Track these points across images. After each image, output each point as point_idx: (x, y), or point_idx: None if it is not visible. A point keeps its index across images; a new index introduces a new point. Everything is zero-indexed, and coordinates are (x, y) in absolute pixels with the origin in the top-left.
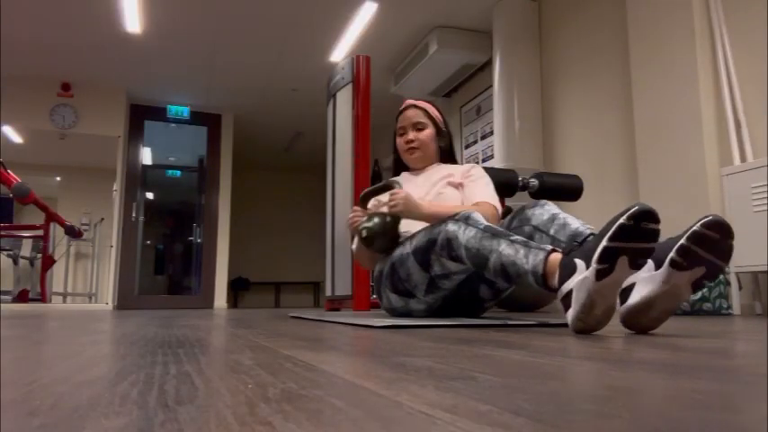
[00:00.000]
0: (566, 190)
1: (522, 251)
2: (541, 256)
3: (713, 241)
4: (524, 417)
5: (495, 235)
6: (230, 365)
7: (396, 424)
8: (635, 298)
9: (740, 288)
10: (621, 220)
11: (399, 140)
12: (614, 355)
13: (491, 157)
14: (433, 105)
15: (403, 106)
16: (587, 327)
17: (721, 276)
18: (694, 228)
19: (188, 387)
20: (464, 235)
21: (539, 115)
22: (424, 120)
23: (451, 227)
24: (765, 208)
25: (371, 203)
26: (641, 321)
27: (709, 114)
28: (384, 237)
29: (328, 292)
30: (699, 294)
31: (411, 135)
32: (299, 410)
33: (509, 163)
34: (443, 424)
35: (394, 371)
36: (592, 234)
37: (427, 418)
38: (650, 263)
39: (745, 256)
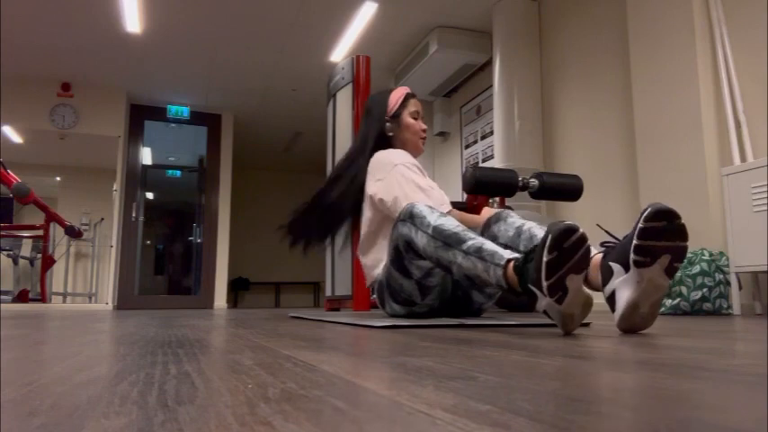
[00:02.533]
0: (566, 190)
1: (479, 265)
2: (500, 272)
3: (663, 229)
4: (524, 417)
5: (446, 245)
6: (230, 365)
7: (396, 424)
8: (620, 304)
9: (740, 288)
10: (545, 258)
11: (414, 123)
12: (614, 355)
13: (491, 157)
14: None
15: (406, 90)
16: (573, 328)
17: (721, 276)
18: (640, 225)
19: (188, 387)
20: (419, 240)
21: (539, 115)
22: (423, 115)
23: (403, 229)
24: (765, 208)
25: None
26: (635, 322)
27: (710, 114)
28: None
29: (328, 292)
30: (699, 294)
31: (424, 125)
32: (298, 410)
33: (509, 163)
34: (443, 424)
35: (394, 371)
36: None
37: (427, 418)
38: (619, 267)
39: (745, 256)
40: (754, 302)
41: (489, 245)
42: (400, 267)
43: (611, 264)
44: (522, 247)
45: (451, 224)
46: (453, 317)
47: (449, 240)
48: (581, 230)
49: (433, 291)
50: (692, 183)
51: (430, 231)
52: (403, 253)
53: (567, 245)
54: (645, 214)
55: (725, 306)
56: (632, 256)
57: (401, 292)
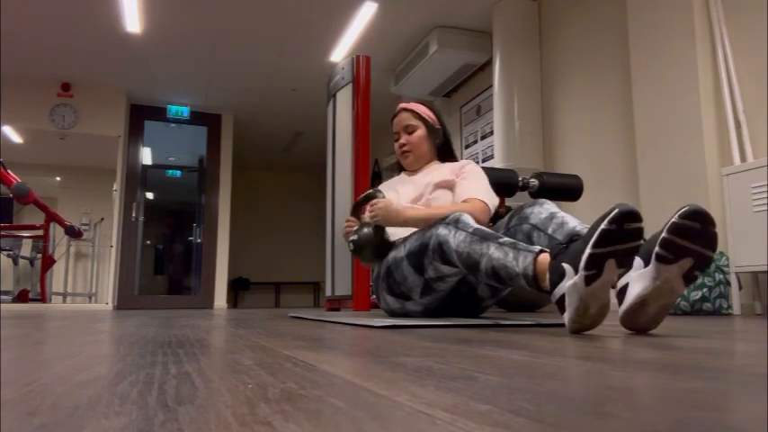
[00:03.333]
0: (566, 190)
1: (511, 254)
2: (530, 258)
3: (695, 231)
4: (524, 417)
5: (484, 238)
6: (230, 365)
7: (396, 424)
8: (629, 298)
9: (740, 288)
10: (603, 226)
11: (395, 145)
12: (613, 355)
13: (491, 157)
14: (425, 104)
15: (395, 111)
16: (583, 327)
17: (721, 276)
18: (673, 219)
19: (188, 387)
20: (455, 239)
21: (539, 115)
22: (413, 122)
23: (442, 231)
24: (765, 208)
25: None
26: (640, 320)
27: (710, 114)
28: (369, 247)
29: (328, 292)
30: (699, 294)
31: (403, 139)
32: (299, 410)
33: (509, 163)
34: (443, 424)
35: (394, 371)
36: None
37: (427, 418)
38: (639, 260)
39: (745, 256)
40: (754, 302)
41: (524, 244)
42: (417, 263)
43: (563, 265)
44: (550, 230)
45: (493, 231)
46: (453, 316)
47: (487, 236)
48: (643, 223)
49: (435, 294)
50: (692, 183)
51: (470, 230)
52: (429, 252)
53: (627, 227)
54: (682, 211)
55: (725, 306)
56: (657, 248)
57: (401, 284)
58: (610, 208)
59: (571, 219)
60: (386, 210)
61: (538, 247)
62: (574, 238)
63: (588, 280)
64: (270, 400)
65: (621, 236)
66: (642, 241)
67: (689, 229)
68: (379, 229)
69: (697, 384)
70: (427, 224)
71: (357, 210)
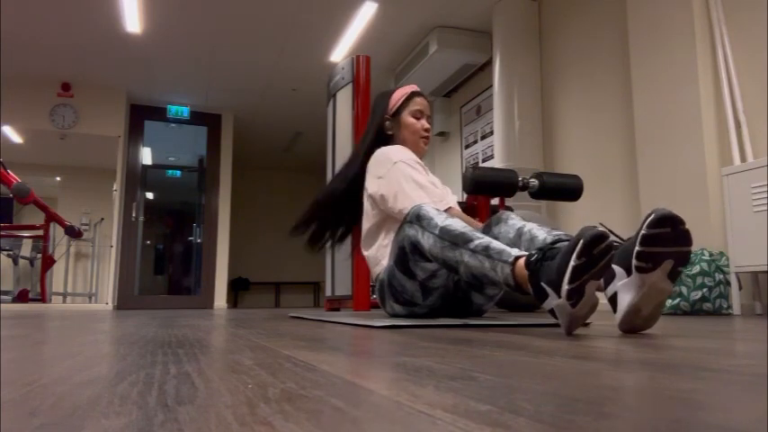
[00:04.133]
0: (566, 190)
1: (486, 263)
2: (507, 269)
3: (666, 235)
4: (524, 417)
5: (453, 244)
6: (230, 365)
7: (396, 424)
8: (622, 307)
9: (740, 288)
10: (572, 263)
11: (416, 123)
12: (613, 355)
13: (491, 157)
14: None
15: (412, 88)
16: (578, 326)
17: (721, 276)
18: (642, 232)
19: (188, 387)
20: (426, 241)
21: (539, 115)
22: (429, 113)
23: (410, 231)
24: (765, 208)
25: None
26: (636, 323)
27: (710, 114)
28: None
29: (328, 292)
30: (699, 294)
31: (427, 124)
32: (299, 410)
33: (509, 163)
34: (443, 424)
35: (394, 371)
36: (559, 240)
37: (427, 418)
38: (620, 270)
39: (745, 256)
40: (754, 302)
41: (496, 243)
42: (404, 268)
43: (613, 266)
44: (523, 249)
45: (458, 225)
46: (454, 317)
47: (456, 240)
48: (610, 238)
49: (436, 292)
50: (692, 183)
51: (437, 232)
52: (408, 254)
53: (596, 252)
54: (648, 221)
55: (725, 306)
56: (634, 261)
57: (403, 292)
58: (575, 237)
59: (538, 230)
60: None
61: (513, 255)
62: (546, 253)
63: (574, 304)
64: (270, 400)
65: (593, 262)
66: (612, 239)
67: (660, 236)
68: None
69: (697, 384)
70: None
71: None
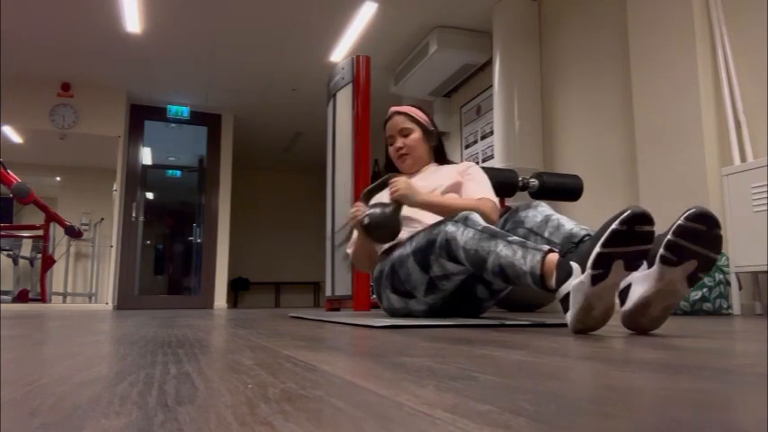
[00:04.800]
0: (566, 190)
1: (519, 252)
2: (538, 257)
3: (700, 233)
4: (524, 417)
5: (492, 236)
6: (230, 365)
7: (396, 424)
8: (632, 299)
9: (740, 288)
10: (614, 226)
11: (390, 149)
12: (614, 355)
13: (491, 157)
14: (417, 107)
15: (387, 115)
16: (586, 327)
17: (721, 276)
18: (679, 222)
19: (188, 387)
20: (463, 236)
21: (539, 115)
22: (409, 125)
23: (450, 227)
24: (765, 208)
25: (374, 201)
26: (642, 322)
27: (710, 114)
28: (385, 226)
29: (328, 292)
30: (699, 294)
31: (399, 142)
32: (299, 410)
33: (509, 163)
34: (443, 424)
35: (394, 371)
36: (588, 235)
37: (427, 418)
38: (643, 262)
39: (745, 256)
40: (754, 302)
41: (533, 243)
42: (423, 259)
43: (571, 263)
44: (546, 234)
45: (501, 230)
46: (453, 316)
47: (496, 234)
48: (654, 226)
49: (439, 293)
50: (692, 183)
51: (479, 228)
52: (435, 248)
53: (638, 230)
54: (688, 213)
55: (725, 306)
56: (661, 250)
57: (406, 282)
58: (622, 209)
59: (567, 221)
60: (408, 185)
61: (546, 246)
62: (584, 239)
63: (594, 279)
64: (270, 400)
65: (632, 237)
66: (650, 245)
67: (694, 231)
68: (398, 207)
69: (697, 384)
70: (443, 211)
71: (369, 197)
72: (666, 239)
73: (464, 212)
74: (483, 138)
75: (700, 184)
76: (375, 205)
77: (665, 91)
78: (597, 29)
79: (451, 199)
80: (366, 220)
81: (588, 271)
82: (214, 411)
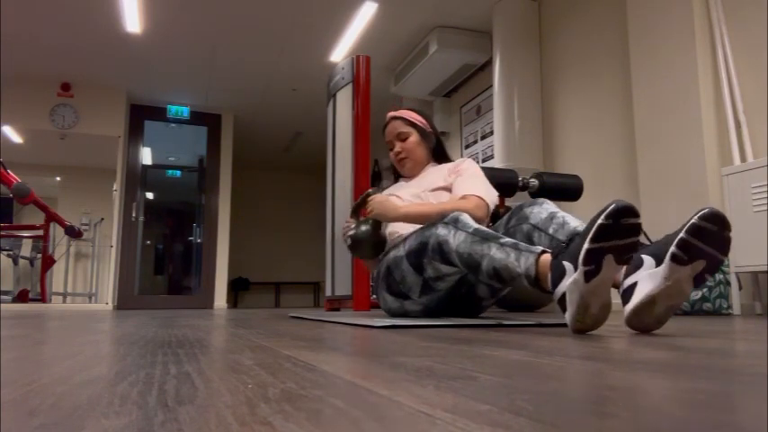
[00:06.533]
0: (566, 190)
1: (512, 254)
2: (532, 259)
3: (712, 233)
4: (524, 417)
5: (484, 239)
6: (230, 365)
7: (396, 424)
8: (637, 297)
9: (740, 288)
10: (600, 221)
11: (390, 154)
12: (614, 355)
13: (491, 157)
14: (414, 110)
15: (385, 121)
16: (585, 326)
17: (721, 276)
18: (693, 221)
19: (188, 387)
20: (455, 239)
21: (539, 115)
22: (405, 128)
23: (441, 231)
24: (765, 208)
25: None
26: (645, 320)
27: (710, 114)
28: (366, 243)
29: (328, 292)
30: (699, 294)
31: (398, 147)
32: (299, 410)
33: (509, 163)
34: (443, 424)
35: (394, 371)
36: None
37: (427, 418)
38: (650, 259)
39: (745, 256)
40: (754, 302)
41: (525, 244)
42: (416, 261)
43: (643, 256)
44: (551, 231)
45: (492, 231)
46: (452, 316)
47: (488, 236)
48: (640, 219)
49: (435, 294)
50: (692, 183)
51: (470, 231)
52: (428, 251)
53: (624, 222)
54: (701, 213)
55: (725, 306)
56: (673, 248)
57: (401, 283)
58: (607, 204)
59: (572, 218)
60: (382, 204)
61: (540, 248)
62: (574, 237)
63: (588, 276)
64: (270, 400)
65: (619, 231)
66: (640, 238)
67: (706, 231)
68: (376, 225)
69: (696, 384)
70: (424, 220)
71: (357, 211)
72: (679, 237)
73: (454, 214)
74: (483, 138)
75: (700, 184)
76: (359, 223)
77: (665, 91)
78: (597, 29)
79: (430, 206)
80: (348, 241)
81: (580, 268)
82: (214, 411)
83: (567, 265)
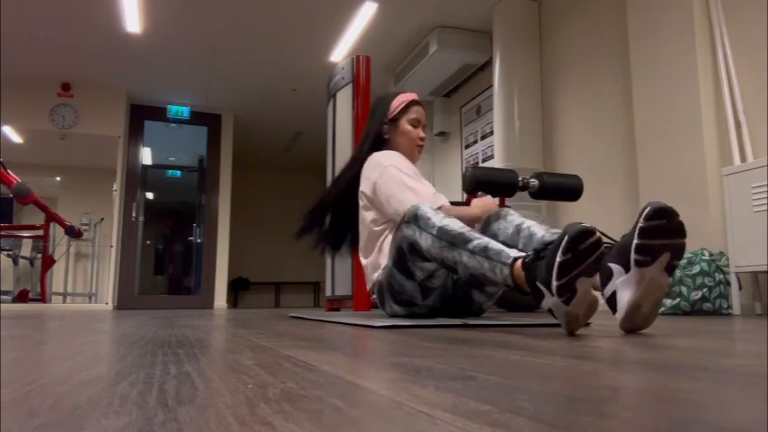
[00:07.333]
0: (566, 190)
1: (486, 264)
2: (506, 271)
3: (662, 228)
4: (524, 417)
5: (452, 244)
6: (230, 365)
7: (396, 424)
8: (621, 305)
9: (740, 288)
10: (558, 259)
11: (412, 131)
12: (612, 355)
13: (491, 157)
14: None
15: (412, 96)
16: (579, 326)
17: (721, 276)
18: (640, 224)
19: (188, 387)
20: (424, 241)
21: (539, 115)
22: (425, 120)
23: (407, 232)
24: (765, 208)
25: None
26: (636, 322)
27: (710, 114)
28: None
29: (328, 292)
30: (699, 294)
31: (423, 133)
32: (299, 410)
33: (509, 163)
34: (443, 424)
35: (394, 371)
36: (549, 244)
37: (427, 418)
38: (618, 267)
39: (745, 256)
40: (754, 302)
41: (495, 244)
42: (403, 269)
43: (610, 265)
44: (520, 246)
45: (456, 225)
46: (453, 317)
47: (454, 240)
48: (597, 234)
49: (435, 292)
50: (692, 183)
51: (435, 232)
52: (407, 255)
53: (582, 247)
54: (644, 213)
55: (725, 306)
56: (633, 255)
57: (402, 292)
58: (561, 233)
59: (537, 227)
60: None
61: (511, 256)
62: (540, 253)
63: (567, 301)
64: (270, 400)
65: (580, 258)
66: (605, 247)
67: (657, 228)
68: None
69: (696, 384)
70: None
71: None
72: (635, 244)
73: (410, 208)
74: (483, 138)
75: (700, 184)
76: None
77: (665, 91)
78: (597, 29)
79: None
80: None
81: (557, 299)
82: (214, 411)
83: (542, 288)
